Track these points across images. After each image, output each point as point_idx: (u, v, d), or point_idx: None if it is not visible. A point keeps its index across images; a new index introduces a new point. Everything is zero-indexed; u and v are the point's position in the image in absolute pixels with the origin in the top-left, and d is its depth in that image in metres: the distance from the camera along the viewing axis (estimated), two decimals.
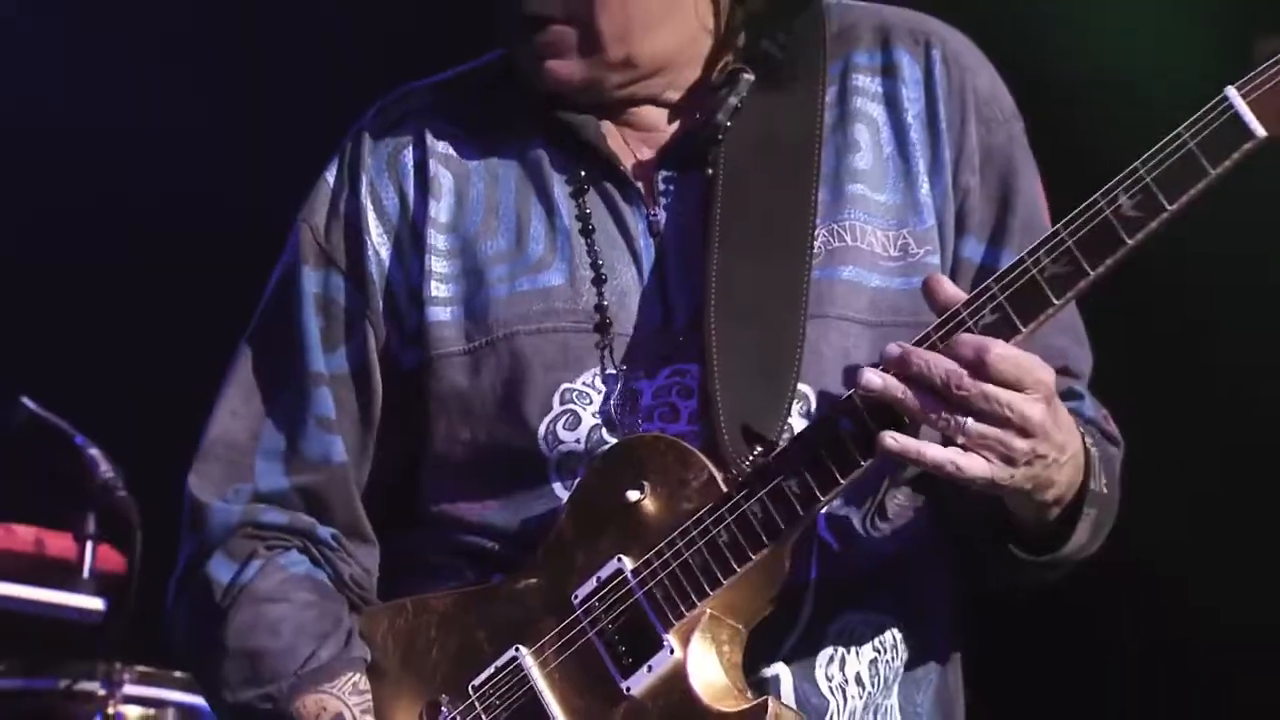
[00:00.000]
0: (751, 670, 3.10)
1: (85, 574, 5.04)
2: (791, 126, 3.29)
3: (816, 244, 3.22)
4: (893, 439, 2.90)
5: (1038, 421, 2.89)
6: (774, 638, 3.11)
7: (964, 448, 2.89)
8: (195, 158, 6.37)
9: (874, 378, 2.91)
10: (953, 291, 2.95)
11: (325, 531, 3.25)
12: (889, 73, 3.32)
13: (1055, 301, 2.89)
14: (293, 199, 3.40)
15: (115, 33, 6.68)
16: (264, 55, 6.32)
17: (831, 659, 3.16)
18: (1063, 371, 3.17)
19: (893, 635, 3.21)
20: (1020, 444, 2.88)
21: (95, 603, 5.04)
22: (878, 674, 3.20)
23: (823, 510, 3.09)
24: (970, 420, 2.88)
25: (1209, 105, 2.86)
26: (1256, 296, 5.43)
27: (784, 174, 3.25)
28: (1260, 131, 2.84)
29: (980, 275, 3.07)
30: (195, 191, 6.35)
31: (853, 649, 3.18)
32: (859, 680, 3.18)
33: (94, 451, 5.04)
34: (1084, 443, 3.03)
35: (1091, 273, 2.88)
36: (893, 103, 3.30)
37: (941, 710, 3.28)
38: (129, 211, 6.44)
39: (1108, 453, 3.18)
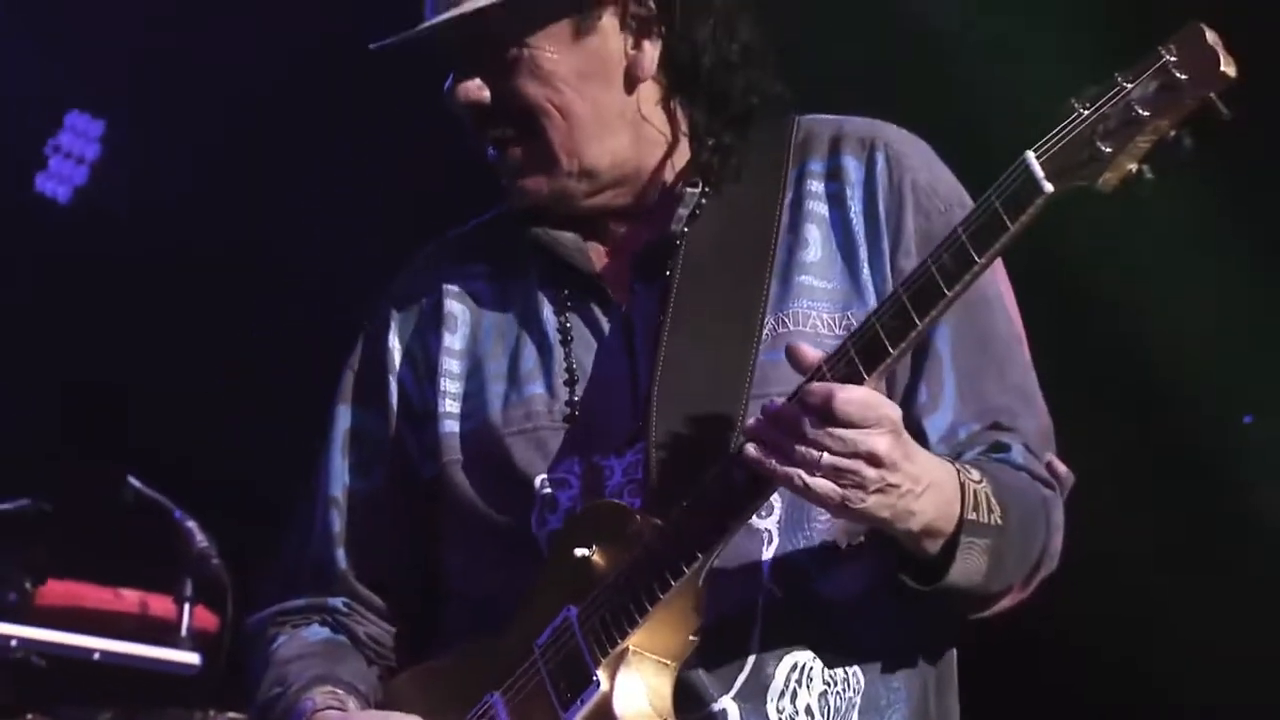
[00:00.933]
0: (700, 706, 3.13)
1: (183, 632, 5.10)
2: (749, 227, 3.33)
3: (765, 329, 3.26)
4: (752, 448, 2.96)
5: (884, 452, 2.94)
6: (724, 675, 3.14)
7: (817, 480, 2.94)
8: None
9: (750, 425, 3.00)
10: (813, 355, 3.00)
11: (336, 600, 3.38)
12: (835, 176, 3.34)
13: (892, 351, 2.95)
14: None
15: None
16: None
17: (782, 693, 3.18)
18: (994, 426, 3.22)
19: (844, 671, 3.22)
20: (870, 472, 2.92)
21: (192, 658, 5.09)
22: (828, 705, 3.21)
23: (768, 557, 3.17)
24: (824, 454, 2.92)
25: (1011, 167, 2.92)
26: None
27: (740, 270, 3.30)
28: (1048, 187, 2.91)
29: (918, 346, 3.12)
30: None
31: (804, 684, 3.21)
32: (809, 711, 3.20)
33: (191, 524, 5.12)
34: (961, 478, 3.05)
35: (919, 323, 2.95)
36: (838, 202, 3.33)
37: None
38: (233, 332, 6.53)
39: (1027, 495, 3.18)
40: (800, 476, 2.95)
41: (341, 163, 6.65)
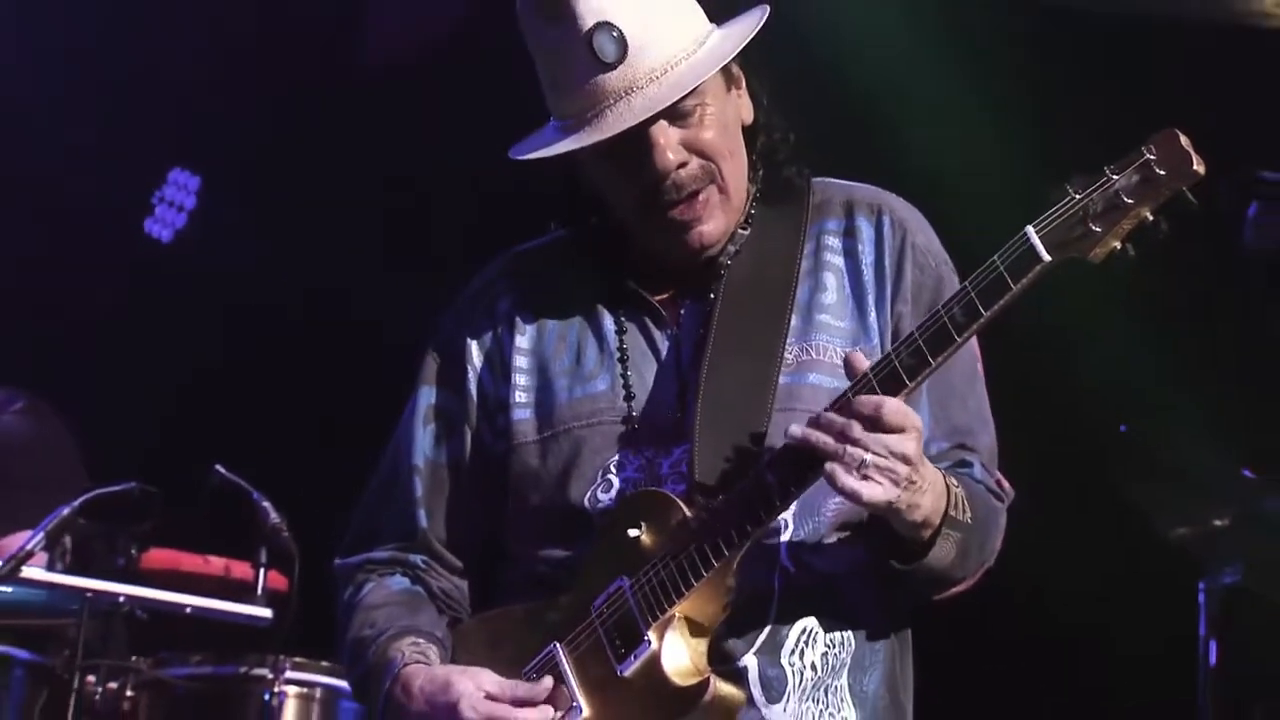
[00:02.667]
0: (729, 661, 3.19)
1: (258, 591, 5.19)
2: (775, 270, 3.35)
3: (789, 357, 3.28)
4: (801, 431, 3.03)
5: (914, 452, 3.01)
6: (748, 638, 3.21)
7: (865, 477, 3.00)
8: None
9: (795, 429, 3.04)
10: (863, 362, 3.06)
11: (417, 558, 3.44)
12: (850, 234, 3.39)
13: (908, 383, 3.03)
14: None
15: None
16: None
17: (793, 650, 3.24)
18: (960, 446, 3.32)
19: (841, 635, 3.28)
20: (903, 469, 3.00)
21: (265, 612, 5.17)
22: (828, 663, 3.26)
23: (782, 539, 3.23)
24: (868, 454, 2.99)
25: (1014, 239, 2.99)
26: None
27: (768, 304, 3.32)
28: (1046, 257, 2.97)
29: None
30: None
31: (812, 645, 3.26)
32: (813, 666, 3.25)
33: (266, 504, 5.20)
34: (946, 481, 3.14)
35: (933, 361, 3.02)
36: (852, 255, 3.38)
37: (889, 689, 3.33)
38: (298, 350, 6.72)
39: (985, 503, 3.28)
40: (847, 471, 3.00)
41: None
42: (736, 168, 3.34)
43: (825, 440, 3.02)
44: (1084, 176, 3.01)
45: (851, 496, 3.02)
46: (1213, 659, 5.39)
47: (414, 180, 6.86)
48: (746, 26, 3.30)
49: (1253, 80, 6.46)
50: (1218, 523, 5.38)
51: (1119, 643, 6.04)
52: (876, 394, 3.03)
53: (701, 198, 3.29)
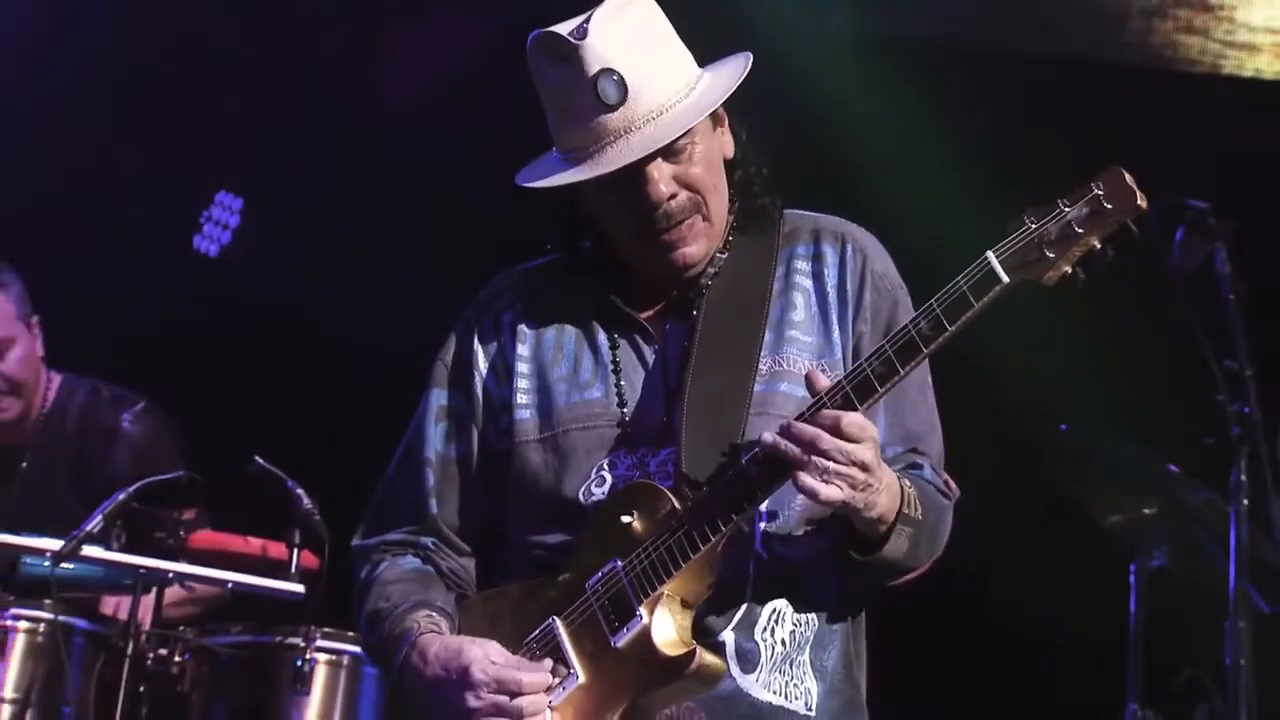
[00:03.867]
0: (708, 635, 3.23)
1: (292, 569, 5.17)
2: (750, 290, 3.37)
3: (763, 367, 3.30)
4: (772, 439, 3.06)
5: (871, 460, 3.05)
6: (727, 615, 3.25)
7: (827, 481, 3.04)
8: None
9: (768, 436, 3.08)
10: (823, 381, 3.11)
11: (427, 540, 3.45)
12: (817, 259, 3.41)
13: (879, 389, 3.06)
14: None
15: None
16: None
17: (765, 628, 3.27)
18: (913, 450, 3.34)
19: (805, 615, 3.31)
20: (860, 475, 3.05)
21: (298, 588, 5.15)
22: (794, 639, 3.30)
23: (757, 530, 3.25)
24: (830, 463, 3.04)
25: (975, 263, 3.03)
26: None
27: (743, 321, 3.34)
28: (1005, 278, 3.02)
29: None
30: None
31: (780, 623, 3.29)
32: (783, 642, 3.28)
33: (299, 491, 5.20)
34: (900, 483, 3.17)
35: (902, 370, 3.06)
36: (818, 278, 3.40)
37: (844, 665, 3.35)
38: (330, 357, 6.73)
39: (934, 500, 3.30)
40: (814, 479, 3.03)
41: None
42: (718, 199, 3.35)
43: (793, 449, 3.06)
44: (1038, 207, 3.03)
45: (814, 497, 3.07)
46: (1141, 632, 5.42)
47: (428, 201, 6.88)
48: (732, 72, 3.31)
49: (1174, 116, 6.56)
50: (1146, 512, 5.46)
51: (1059, 618, 6.04)
52: (850, 399, 3.07)
53: (687, 224, 3.30)
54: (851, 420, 3.04)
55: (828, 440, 3.04)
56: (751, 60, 3.32)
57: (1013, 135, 6.28)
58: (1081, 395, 5.81)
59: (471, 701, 3.18)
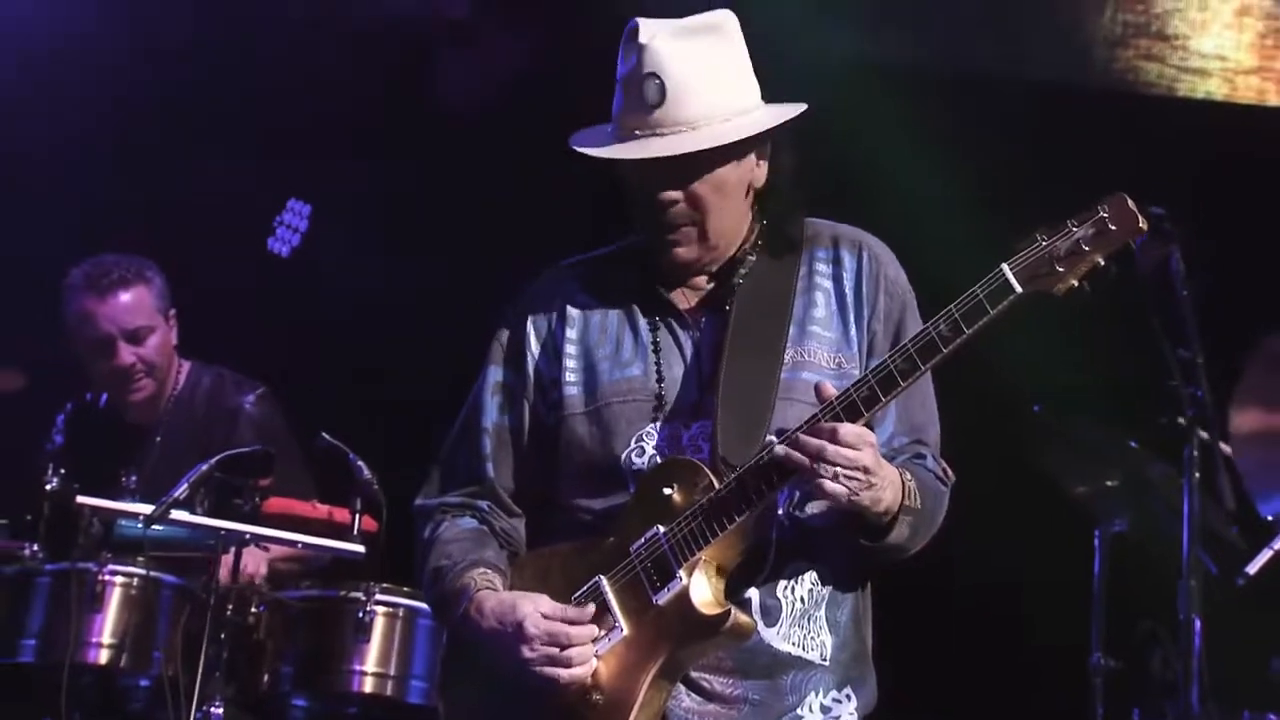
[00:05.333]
0: (736, 594, 3.23)
1: (354, 532, 5.16)
2: (777, 288, 3.37)
3: (788, 357, 3.30)
4: (785, 451, 3.08)
5: (870, 463, 3.07)
6: (752, 576, 3.25)
7: (836, 482, 3.06)
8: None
9: (779, 449, 3.09)
10: (829, 390, 3.13)
11: (483, 503, 3.45)
12: (836, 263, 3.41)
13: (901, 383, 3.07)
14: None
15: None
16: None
17: (786, 586, 3.28)
18: (917, 441, 3.34)
19: (820, 578, 3.31)
20: (863, 477, 3.07)
21: (359, 549, 5.14)
22: (812, 597, 3.30)
23: (778, 505, 3.23)
24: (836, 468, 3.06)
25: (991, 274, 3.02)
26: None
27: (771, 315, 3.34)
28: (1019, 288, 3.01)
29: None
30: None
31: (799, 582, 3.30)
32: (801, 599, 3.29)
33: (360, 463, 5.20)
34: (902, 477, 3.18)
35: (922, 366, 3.07)
36: (837, 280, 3.40)
37: (854, 621, 3.36)
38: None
39: (934, 488, 3.30)
40: (824, 480, 3.05)
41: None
42: (719, 220, 3.34)
43: (802, 459, 3.07)
44: (1048, 226, 3.03)
45: (824, 497, 3.09)
46: (1103, 590, 5.44)
47: (475, 202, 6.87)
48: (777, 115, 3.30)
49: (1135, 132, 6.58)
50: (1109, 483, 5.46)
51: (1032, 577, 6.04)
52: (876, 391, 3.08)
53: (680, 231, 3.32)
54: (848, 430, 3.06)
55: (831, 450, 3.05)
56: (804, 109, 3.31)
57: (991, 152, 6.27)
58: (1053, 381, 5.80)
59: (525, 653, 3.18)
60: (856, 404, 3.09)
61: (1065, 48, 7.13)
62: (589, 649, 3.19)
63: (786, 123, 3.30)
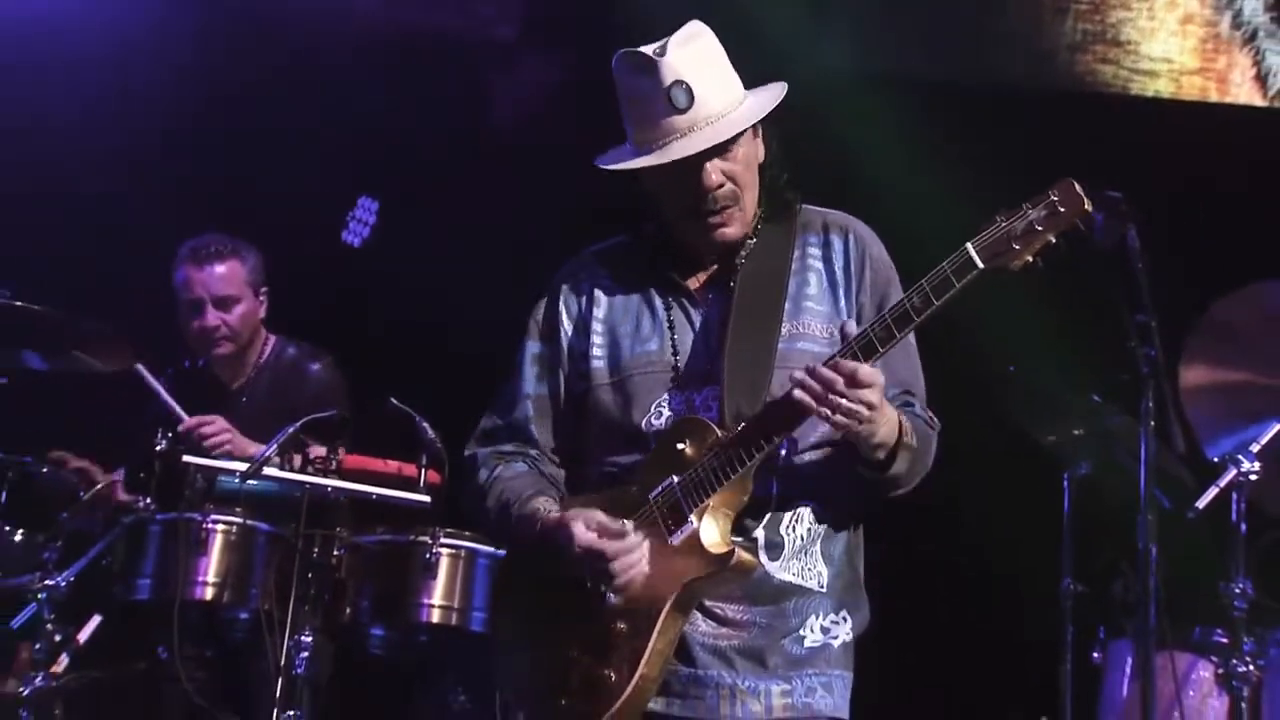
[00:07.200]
0: (745, 534, 3.25)
1: (421, 484, 5.15)
2: (774, 267, 3.36)
3: (784, 330, 3.29)
4: (798, 392, 3.06)
5: (876, 400, 3.07)
6: (758, 517, 3.26)
7: (844, 414, 3.06)
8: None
9: (798, 374, 3.07)
10: (853, 328, 3.11)
11: (532, 452, 3.45)
12: (827, 246, 3.39)
13: (880, 349, 3.07)
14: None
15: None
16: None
17: (787, 525, 3.28)
18: (906, 392, 3.34)
19: (818, 517, 3.31)
20: (866, 411, 3.07)
21: (425, 499, 5.11)
22: (810, 534, 3.30)
23: (780, 451, 3.23)
24: (843, 401, 3.05)
25: (956, 252, 3.02)
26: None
27: (769, 292, 3.33)
28: (980, 264, 3.01)
29: None
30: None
31: (799, 523, 3.30)
32: (801, 537, 3.29)
33: (425, 424, 5.18)
34: (899, 417, 3.19)
35: (898, 334, 3.06)
36: (828, 261, 3.38)
37: (848, 553, 3.35)
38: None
39: (923, 430, 3.30)
40: (830, 411, 3.05)
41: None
42: (751, 194, 3.35)
43: (815, 387, 3.06)
44: (1007, 209, 3.02)
45: (833, 425, 3.08)
46: (1072, 524, 5.47)
47: (517, 202, 6.84)
48: (772, 94, 3.30)
49: (1094, 126, 6.61)
50: (1076, 433, 5.44)
51: (1009, 515, 5.99)
52: (858, 356, 3.07)
53: (728, 211, 3.29)
54: (866, 371, 3.05)
55: (841, 384, 3.03)
56: (786, 88, 3.31)
57: (964, 147, 6.25)
58: (1027, 344, 5.77)
59: (597, 546, 3.18)
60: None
61: (1031, 54, 7.17)
62: (634, 557, 3.17)
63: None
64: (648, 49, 3.26)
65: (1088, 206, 2.97)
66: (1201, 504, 4.76)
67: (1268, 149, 6.67)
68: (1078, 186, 2.98)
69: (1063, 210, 2.98)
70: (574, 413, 3.40)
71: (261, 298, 5.85)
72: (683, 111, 3.20)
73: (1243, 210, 6.42)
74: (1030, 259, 3.01)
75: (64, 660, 5.04)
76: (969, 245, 3.01)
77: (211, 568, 5.09)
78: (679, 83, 3.20)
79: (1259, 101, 7.12)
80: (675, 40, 3.25)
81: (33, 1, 6.74)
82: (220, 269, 5.71)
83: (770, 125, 3.35)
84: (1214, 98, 7.14)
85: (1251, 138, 6.82)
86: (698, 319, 3.34)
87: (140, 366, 5.42)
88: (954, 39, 7.13)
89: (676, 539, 3.18)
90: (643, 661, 3.12)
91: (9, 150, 6.68)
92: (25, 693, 4.90)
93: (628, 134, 3.32)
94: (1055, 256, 3.00)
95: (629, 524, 3.19)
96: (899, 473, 3.20)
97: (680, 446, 3.20)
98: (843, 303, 3.33)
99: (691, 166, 3.24)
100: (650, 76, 3.22)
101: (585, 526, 3.18)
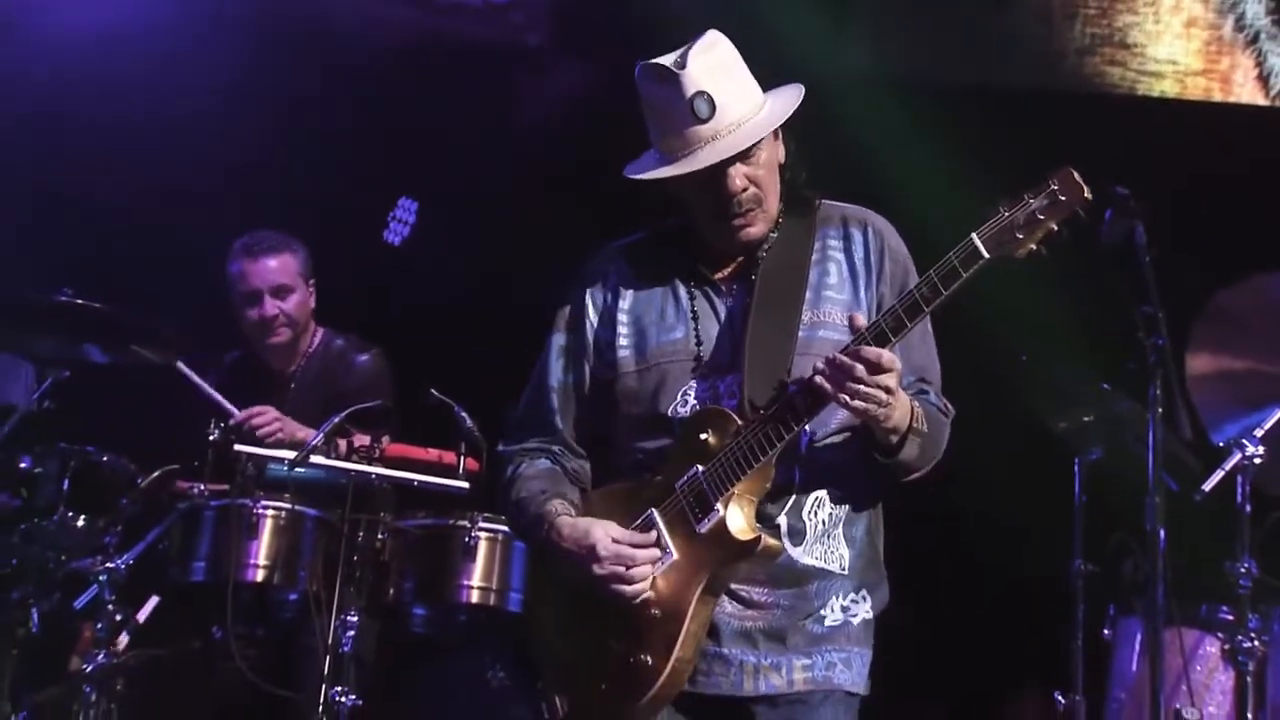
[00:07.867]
0: (768, 521, 3.22)
1: (460, 471, 5.12)
2: (795, 259, 3.33)
3: (805, 318, 3.25)
4: (820, 379, 3.04)
5: (894, 386, 3.05)
6: (780, 503, 3.24)
7: (860, 399, 3.03)
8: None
9: (819, 364, 3.06)
10: (862, 320, 3.10)
11: (556, 448, 3.42)
12: (846, 239, 3.35)
13: (892, 339, 3.03)
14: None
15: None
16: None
17: (810, 511, 3.25)
18: (921, 380, 3.29)
19: (839, 501, 3.29)
20: (884, 397, 3.04)
21: (464, 485, 5.10)
22: (831, 519, 3.27)
23: (803, 440, 3.19)
24: (862, 386, 3.01)
25: (962, 243, 2.98)
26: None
27: (790, 282, 3.31)
28: (986, 254, 2.97)
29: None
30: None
31: (821, 508, 3.27)
32: (823, 522, 3.26)
33: (463, 414, 5.16)
34: (912, 404, 3.16)
35: (909, 324, 3.03)
36: (847, 253, 3.35)
37: (868, 535, 3.33)
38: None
39: (936, 417, 3.25)
40: (849, 397, 3.03)
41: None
42: (773, 195, 3.31)
43: (837, 376, 3.02)
44: (1009, 200, 2.98)
45: (850, 410, 3.04)
46: (1083, 507, 5.41)
47: (548, 200, 6.80)
48: (790, 97, 3.27)
49: (1104, 124, 6.58)
50: (1086, 419, 5.38)
51: (1024, 498, 5.95)
52: (872, 347, 3.03)
53: (751, 213, 3.26)
54: (888, 356, 3.01)
55: (860, 370, 3.00)
56: (804, 90, 3.28)
57: (978, 146, 6.18)
58: (1040, 334, 5.73)
59: (597, 570, 3.17)
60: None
61: (1042, 57, 7.15)
62: (649, 569, 3.16)
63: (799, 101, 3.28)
64: (668, 60, 3.23)
65: (1087, 194, 2.93)
66: (1208, 487, 4.72)
67: (1269, 147, 6.66)
68: (1076, 175, 2.93)
69: (1063, 198, 2.94)
70: (601, 401, 3.37)
71: (311, 288, 5.86)
72: (705, 121, 3.17)
73: (1245, 205, 6.40)
74: (1034, 247, 2.98)
75: (124, 639, 5.05)
76: (974, 236, 2.98)
77: (262, 551, 5.08)
78: (700, 93, 3.17)
79: (1261, 101, 7.11)
80: (694, 51, 3.22)
81: (95, 15, 6.79)
82: (274, 262, 5.72)
83: (788, 127, 3.33)
84: (1217, 98, 7.12)
85: (1254, 136, 6.81)
86: (722, 309, 3.31)
87: (180, 363, 5.43)
88: (968, 43, 7.13)
89: (704, 527, 3.15)
90: (678, 645, 3.12)
91: (76, 160, 6.72)
92: (89, 669, 4.93)
93: (652, 141, 3.29)
94: (1060, 246, 2.98)
95: (647, 538, 3.18)
96: (909, 458, 3.17)
97: (703, 436, 3.17)
98: (862, 292, 3.30)
99: (716, 173, 3.21)
100: (673, 88, 3.19)
101: (604, 547, 3.18)
